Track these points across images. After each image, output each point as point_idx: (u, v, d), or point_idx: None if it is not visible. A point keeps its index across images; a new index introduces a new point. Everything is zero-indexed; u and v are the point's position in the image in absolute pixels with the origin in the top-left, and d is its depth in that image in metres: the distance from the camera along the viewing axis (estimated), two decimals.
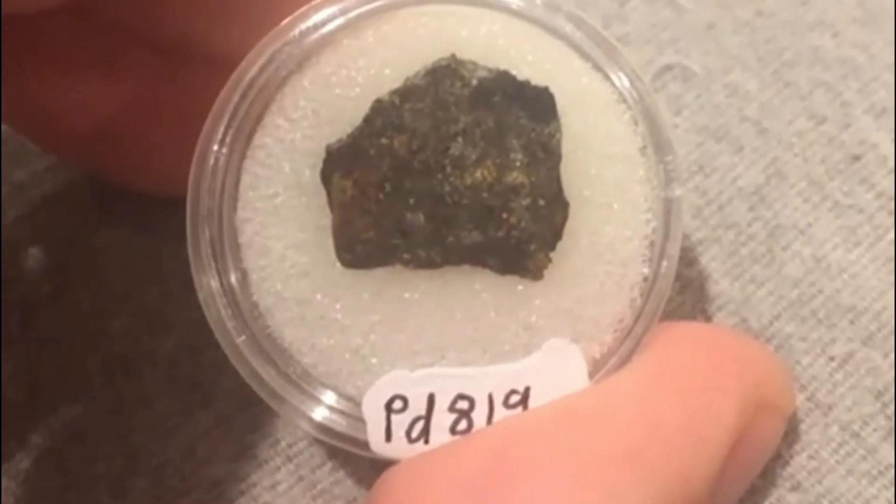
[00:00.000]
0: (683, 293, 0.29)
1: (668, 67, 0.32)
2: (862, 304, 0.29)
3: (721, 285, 0.29)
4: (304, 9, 0.24)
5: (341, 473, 0.28)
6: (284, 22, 0.24)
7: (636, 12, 0.32)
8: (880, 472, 0.28)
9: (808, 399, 0.28)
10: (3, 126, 0.31)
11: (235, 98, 0.24)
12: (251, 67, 0.24)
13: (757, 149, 0.31)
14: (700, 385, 0.25)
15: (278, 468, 0.28)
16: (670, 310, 0.29)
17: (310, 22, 0.24)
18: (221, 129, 0.24)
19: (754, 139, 0.31)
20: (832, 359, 0.29)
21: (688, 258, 0.30)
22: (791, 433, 0.28)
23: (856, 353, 0.29)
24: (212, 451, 0.28)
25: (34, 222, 0.31)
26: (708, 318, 0.29)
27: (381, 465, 0.24)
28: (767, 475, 0.28)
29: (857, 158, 0.30)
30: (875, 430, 0.28)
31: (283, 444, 0.28)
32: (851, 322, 0.29)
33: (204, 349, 0.29)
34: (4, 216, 0.31)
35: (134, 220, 0.31)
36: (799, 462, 0.28)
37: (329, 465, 0.28)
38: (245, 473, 0.28)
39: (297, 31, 0.24)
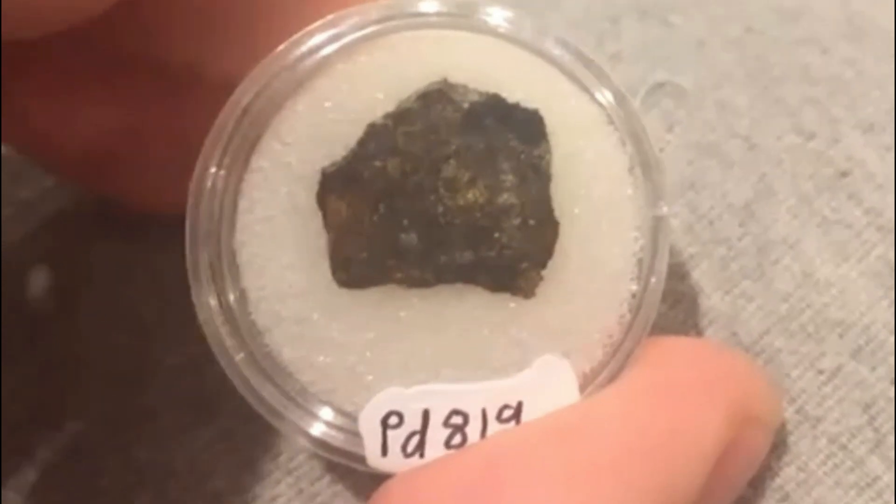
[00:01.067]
0: (675, 308, 0.30)
1: (660, 84, 0.32)
2: (850, 318, 0.29)
3: (712, 300, 0.30)
4: (298, 35, 0.25)
5: (340, 486, 0.29)
6: (280, 48, 0.25)
7: (628, 31, 0.33)
8: (867, 484, 0.28)
9: (797, 412, 0.29)
10: (5, 145, 0.32)
11: (232, 122, 0.25)
12: (247, 92, 0.25)
13: (747, 165, 0.31)
14: (687, 399, 0.25)
15: (279, 481, 0.29)
16: (662, 324, 0.29)
17: (304, 47, 0.25)
18: (218, 152, 0.25)
19: (744, 155, 0.31)
20: (821, 372, 0.29)
21: (679, 273, 0.30)
22: (780, 445, 0.28)
23: (844, 366, 0.29)
24: (214, 465, 0.29)
25: (37, 240, 0.32)
26: (699, 333, 0.30)
27: (379, 478, 0.25)
28: (757, 487, 0.28)
29: (845, 174, 0.31)
30: (862, 442, 0.28)
31: (284, 457, 0.29)
32: (840, 336, 0.29)
33: (206, 364, 0.29)
34: (8, 234, 0.32)
35: (135, 236, 0.31)
36: (788, 474, 0.28)
37: (328, 477, 0.29)
38: (246, 486, 0.29)
39: (292, 57, 0.25)
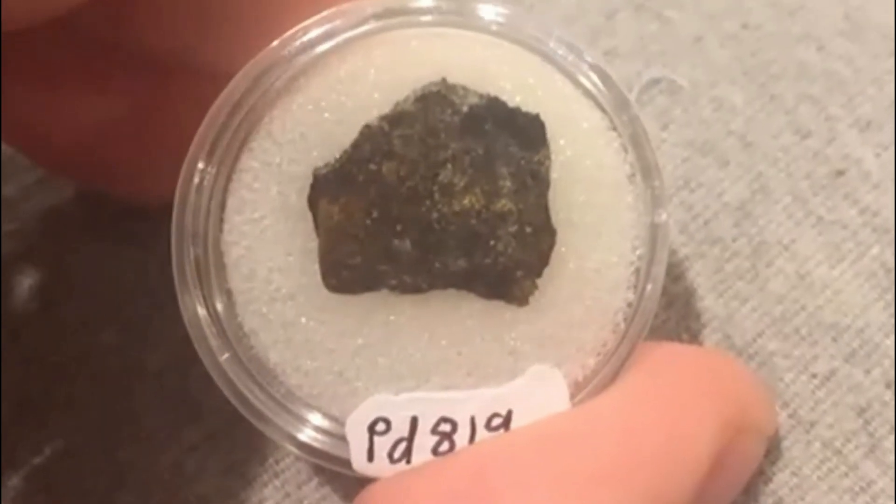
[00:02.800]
0: (669, 309, 0.30)
1: (656, 81, 0.32)
2: (844, 320, 0.29)
3: (706, 301, 0.30)
4: (293, 30, 0.24)
5: (327, 489, 0.28)
6: (274, 43, 0.24)
7: (623, 26, 0.32)
8: (862, 489, 0.28)
9: (791, 416, 0.29)
10: None
11: (222, 118, 0.24)
12: (239, 88, 0.24)
13: (742, 163, 0.31)
14: (680, 406, 0.25)
15: (265, 484, 0.28)
16: (656, 326, 0.29)
17: (299, 43, 0.24)
18: (208, 149, 0.24)
19: (740, 153, 0.31)
20: (815, 376, 0.29)
21: (673, 274, 0.30)
22: (774, 450, 0.28)
23: (838, 370, 0.29)
24: (199, 467, 0.29)
25: (22, 237, 0.31)
26: (693, 335, 0.29)
27: (367, 481, 0.25)
28: (750, 492, 0.28)
29: (841, 173, 0.31)
30: (857, 446, 0.28)
31: (271, 459, 0.29)
32: (834, 339, 0.29)
33: (192, 364, 0.28)
34: None
35: (122, 234, 0.31)
36: (781, 479, 0.28)
37: (315, 480, 0.28)
38: (232, 489, 0.28)
39: (286, 53, 0.24)
